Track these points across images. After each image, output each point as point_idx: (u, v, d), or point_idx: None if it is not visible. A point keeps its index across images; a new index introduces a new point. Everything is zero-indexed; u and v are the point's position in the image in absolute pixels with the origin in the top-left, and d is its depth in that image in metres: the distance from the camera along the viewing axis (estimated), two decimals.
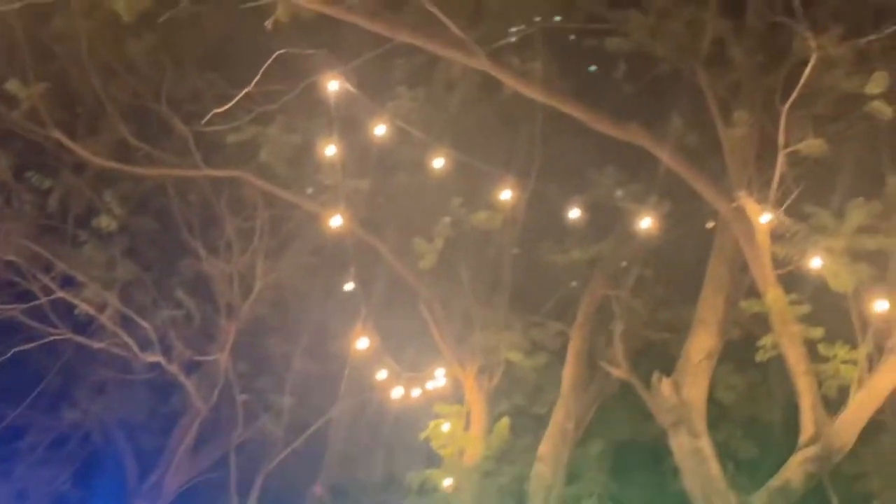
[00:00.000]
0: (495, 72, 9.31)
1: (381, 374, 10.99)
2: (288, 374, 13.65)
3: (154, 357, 12.74)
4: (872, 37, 8.94)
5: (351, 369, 11.99)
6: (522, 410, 12.04)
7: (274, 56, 9.13)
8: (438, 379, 11.14)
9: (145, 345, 12.72)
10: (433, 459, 11.22)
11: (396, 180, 11.37)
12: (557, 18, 10.82)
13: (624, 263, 11.64)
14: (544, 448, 11.23)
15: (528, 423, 11.95)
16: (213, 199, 12.66)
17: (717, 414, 11.43)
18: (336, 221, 10.15)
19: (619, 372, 11.07)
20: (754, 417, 12.53)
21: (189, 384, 13.15)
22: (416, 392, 11.06)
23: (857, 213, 9.04)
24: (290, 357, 13.71)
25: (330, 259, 12.41)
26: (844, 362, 9.30)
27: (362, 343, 10.63)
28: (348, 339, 10.98)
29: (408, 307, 11.72)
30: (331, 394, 13.16)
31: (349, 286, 11.08)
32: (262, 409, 13.76)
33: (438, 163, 9.97)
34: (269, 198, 12.10)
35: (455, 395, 11.34)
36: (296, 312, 13.68)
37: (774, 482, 9.28)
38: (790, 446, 9.47)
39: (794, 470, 9.22)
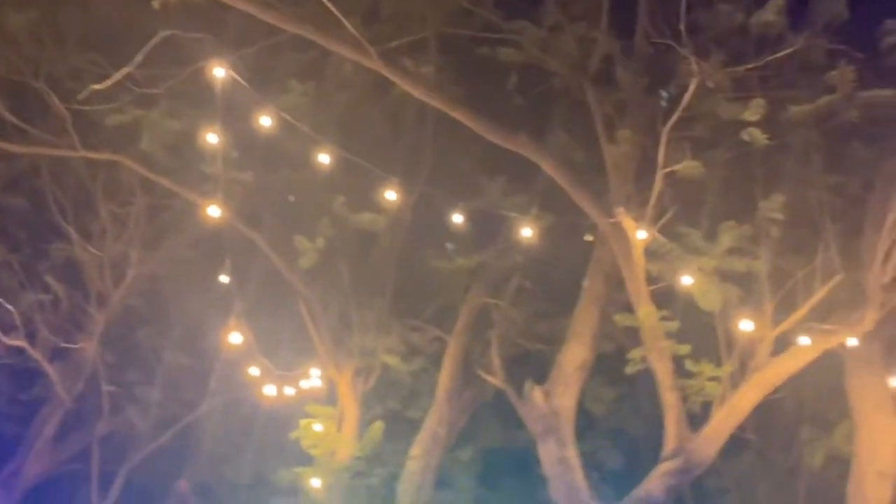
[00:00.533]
0: (386, 72, 9.25)
1: (254, 371, 10.81)
2: (158, 366, 13.31)
3: (17, 341, 12.22)
4: (752, 65, 9.24)
5: (223, 365, 11.76)
6: (397, 414, 12.02)
7: (159, 37, 8.87)
8: (313, 379, 11.02)
9: (9, 328, 12.19)
10: (304, 459, 11.08)
11: (281, 175, 11.19)
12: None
13: (504, 274, 11.72)
14: (416, 450, 11.26)
15: (402, 428, 11.93)
16: (88, 183, 12.24)
17: (586, 424, 11.67)
18: (214, 211, 9.92)
19: (494, 380, 11.16)
20: (621, 429, 12.83)
21: (53, 372, 12.66)
22: (289, 391, 10.91)
23: (728, 235, 9.33)
24: (160, 350, 13.36)
25: (207, 252, 12.13)
26: (709, 379, 9.59)
27: (235, 338, 10.42)
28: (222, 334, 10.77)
29: (286, 305, 11.55)
30: (201, 389, 12.90)
31: (224, 278, 10.86)
32: (129, 402, 13.34)
33: (324, 159, 9.85)
34: (148, 184, 11.76)
35: (330, 397, 11.22)
36: (169, 304, 13.32)
37: (636, 492, 9.51)
38: (655, 458, 9.71)
39: (656, 482, 9.45)
